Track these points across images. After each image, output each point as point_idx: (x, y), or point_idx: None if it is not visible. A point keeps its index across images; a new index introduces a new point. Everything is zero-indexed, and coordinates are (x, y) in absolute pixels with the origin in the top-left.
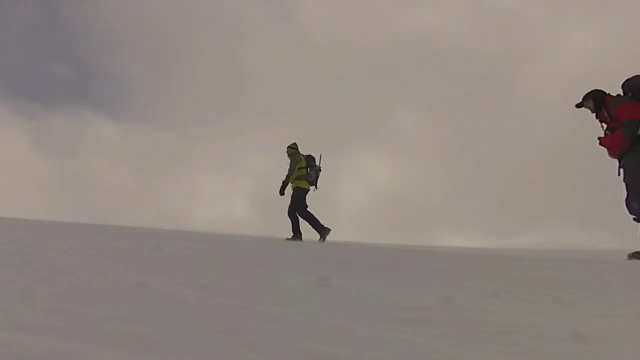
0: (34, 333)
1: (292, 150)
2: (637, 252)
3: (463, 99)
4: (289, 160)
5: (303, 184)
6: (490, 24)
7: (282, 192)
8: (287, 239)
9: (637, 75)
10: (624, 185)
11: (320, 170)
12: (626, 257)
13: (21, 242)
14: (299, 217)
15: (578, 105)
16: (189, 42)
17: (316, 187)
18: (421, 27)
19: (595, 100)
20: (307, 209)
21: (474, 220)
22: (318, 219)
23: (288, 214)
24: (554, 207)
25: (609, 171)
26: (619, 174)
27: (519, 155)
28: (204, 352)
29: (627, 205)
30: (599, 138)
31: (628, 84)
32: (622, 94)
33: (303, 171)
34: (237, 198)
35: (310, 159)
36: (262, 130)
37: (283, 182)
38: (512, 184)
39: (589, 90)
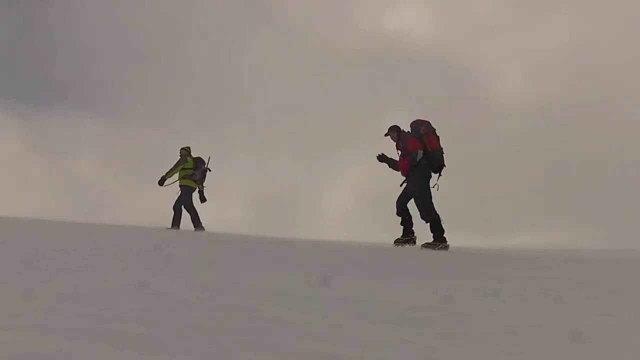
0: (34, 333)
1: (184, 151)
2: (400, 241)
3: (445, 101)
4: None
5: (190, 183)
6: (468, 28)
7: (160, 183)
8: (167, 228)
9: (418, 120)
10: (403, 190)
11: (209, 170)
12: (394, 244)
13: (21, 242)
14: (187, 211)
15: (385, 135)
16: (176, 43)
17: (202, 185)
18: (407, 29)
19: (396, 133)
20: (192, 204)
21: (462, 220)
22: (199, 216)
23: (173, 208)
24: (542, 208)
25: (596, 173)
26: (401, 185)
27: (504, 156)
28: (204, 352)
29: (399, 203)
30: (396, 161)
31: (412, 126)
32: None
33: (189, 171)
34: (232, 198)
35: (199, 160)
36: (253, 130)
37: (163, 176)
38: (499, 185)
39: (392, 125)
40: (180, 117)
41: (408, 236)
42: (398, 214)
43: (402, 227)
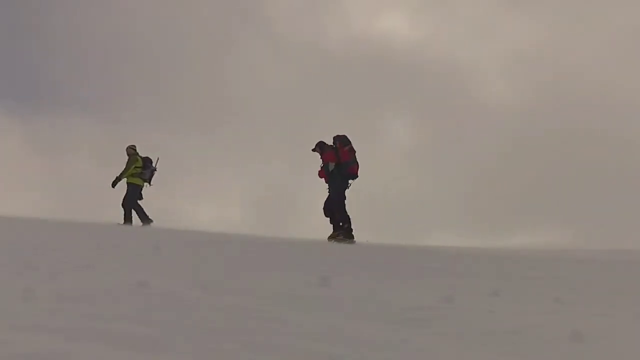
0: (34, 333)
1: (132, 151)
2: (333, 236)
3: (442, 102)
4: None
5: (137, 180)
6: (459, 30)
7: (113, 185)
8: (119, 224)
9: (338, 135)
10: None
11: (155, 170)
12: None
13: (21, 242)
14: (132, 208)
15: (312, 150)
16: (169, 47)
17: (150, 184)
18: (397, 32)
19: (320, 148)
20: (139, 201)
21: (462, 221)
22: (145, 211)
23: (122, 205)
24: (542, 209)
25: (595, 173)
26: (328, 190)
27: (504, 156)
28: (204, 352)
29: (324, 206)
30: (318, 171)
31: (333, 140)
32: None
33: (139, 170)
34: (230, 199)
35: (147, 160)
36: (250, 132)
37: (117, 177)
38: (499, 185)
39: (319, 140)
40: (175, 119)
41: (338, 231)
42: (325, 215)
43: (332, 225)
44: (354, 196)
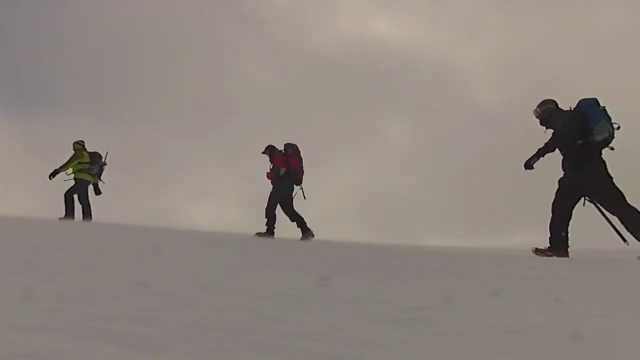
0: (34, 333)
1: (79, 146)
2: (262, 233)
3: (441, 103)
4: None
5: (85, 176)
6: (454, 31)
7: (50, 177)
8: (59, 218)
9: (288, 143)
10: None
11: (105, 165)
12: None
13: (21, 242)
14: (77, 201)
15: (262, 152)
16: (164, 46)
17: (99, 179)
18: (390, 34)
19: (269, 151)
20: (87, 197)
21: (462, 220)
22: (91, 209)
23: (64, 195)
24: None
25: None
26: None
27: (504, 156)
28: (204, 352)
29: (284, 211)
30: (267, 173)
31: (284, 147)
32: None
33: (85, 165)
34: (229, 198)
35: (95, 155)
36: (251, 132)
37: (55, 169)
38: (499, 186)
39: (268, 145)
40: (175, 119)
41: (307, 232)
42: (291, 220)
43: (299, 228)
44: (354, 196)
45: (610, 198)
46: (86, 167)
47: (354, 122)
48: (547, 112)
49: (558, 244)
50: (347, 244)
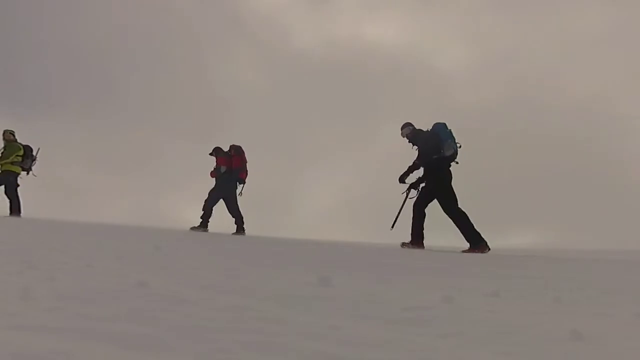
0: (34, 333)
1: (11, 137)
2: (197, 227)
3: (439, 103)
4: (4, 144)
5: (16, 168)
6: (446, 34)
7: None
8: (5, 216)
9: (234, 145)
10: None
11: (36, 159)
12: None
13: (21, 242)
14: (15, 195)
15: (210, 154)
16: (155, 48)
17: (30, 172)
18: (383, 38)
19: (216, 153)
20: (16, 191)
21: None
22: (21, 204)
23: (5, 193)
24: (542, 209)
25: (595, 174)
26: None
27: (504, 156)
28: (204, 352)
29: (227, 207)
30: (210, 172)
31: (229, 148)
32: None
33: (20, 158)
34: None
35: (27, 148)
36: (251, 132)
37: None
38: (498, 185)
39: (216, 146)
40: (175, 119)
41: (241, 230)
42: (232, 215)
43: (236, 225)
44: (353, 197)
45: (446, 201)
46: (20, 160)
47: (347, 122)
48: (412, 133)
49: (418, 238)
50: (347, 244)
